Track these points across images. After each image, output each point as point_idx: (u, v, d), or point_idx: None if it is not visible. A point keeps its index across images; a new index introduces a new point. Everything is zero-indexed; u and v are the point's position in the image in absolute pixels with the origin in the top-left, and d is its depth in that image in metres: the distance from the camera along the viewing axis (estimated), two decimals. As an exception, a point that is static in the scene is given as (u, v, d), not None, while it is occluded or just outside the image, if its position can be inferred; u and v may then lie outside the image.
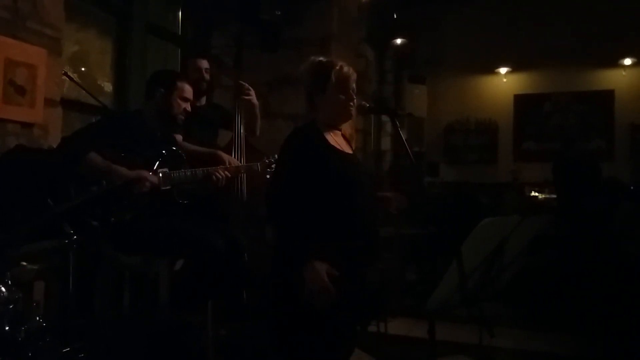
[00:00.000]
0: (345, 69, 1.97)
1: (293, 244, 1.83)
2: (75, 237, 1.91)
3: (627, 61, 6.91)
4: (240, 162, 3.05)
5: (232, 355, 2.78)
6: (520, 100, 7.40)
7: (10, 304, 1.69)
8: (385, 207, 2.07)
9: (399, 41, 6.87)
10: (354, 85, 1.98)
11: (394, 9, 6.36)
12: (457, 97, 7.58)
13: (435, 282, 1.70)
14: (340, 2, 4.67)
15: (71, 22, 3.35)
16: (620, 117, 6.96)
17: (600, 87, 7.05)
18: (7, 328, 1.66)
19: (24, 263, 2.13)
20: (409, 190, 1.98)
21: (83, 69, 3.81)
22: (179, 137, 2.90)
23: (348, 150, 2.04)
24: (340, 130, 2.07)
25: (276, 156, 2.81)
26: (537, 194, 6.53)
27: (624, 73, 6.98)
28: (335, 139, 2.00)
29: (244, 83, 3.15)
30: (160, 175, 2.47)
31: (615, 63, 6.95)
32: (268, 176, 2.85)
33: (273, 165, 2.85)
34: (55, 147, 2.57)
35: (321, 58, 2.01)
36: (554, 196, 5.85)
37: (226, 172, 2.69)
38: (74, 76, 3.27)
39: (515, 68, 7.38)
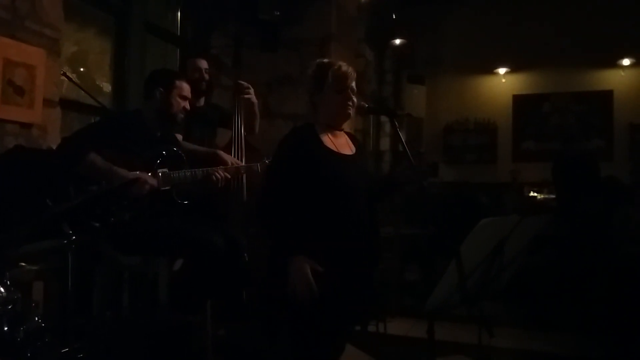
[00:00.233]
0: (344, 68, 1.97)
1: (280, 241, 1.88)
2: (74, 237, 1.91)
3: (626, 61, 6.91)
4: (240, 161, 3.05)
5: (231, 355, 2.78)
6: (519, 101, 7.41)
7: (9, 304, 1.69)
8: (406, 182, 2.05)
9: (398, 41, 6.87)
10: (353, 84, 1.98)
11: (393, 9, 6.36)
12: (456, 97, 7.58)
13: (435, 282, 1.70)
14: (339, 2, 4.67)
15: (70, 22, 3.35)
16: (619, 117, 6.97)
17: (599, 88, 7.06)
18: (6, 328, 1.66)
19: (23, 263, 2.13)
20: (417, 189, 1.97)
21: (82, 69, 3.81)
22: (179, 137, 2.90)
23: (347, 151, 2.04)
24: (341, 130, 2.07)
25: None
26: (536, 194, 6.53)
27: (622, 73, 6.98)
28: (333, 140, 2.00)
29: (243, 82, 3.15)
30: (160, 175, 2.47)
31: (613, 63, 6.95)
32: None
33: (272, 165, 2.85)
34: (54, 147, 2.57)
35: (324, 60, 2.02)
36: (553, 196, 5.86)
37: (226, 173, 2.70)
38: (73, 76, 3.27)
39: (514, 68, 7.39)
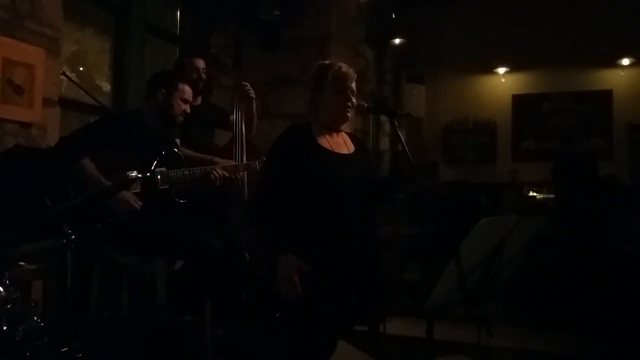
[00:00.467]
0: (344, 69, 1.98)
1: (271, 239, 1.91)
2: (73, 237, 1.91)
3: (625, 61, 6.92)
4: (242, 161, 3.06)
5: (229, 356, 2.77)
6: (519, 100, 7.40)
7: (8, 303, 1.69)
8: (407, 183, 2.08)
9: (397, 41, 6.87)
10: (352, 85, 1.98)
11: (393, 9, 6.36)
12: (455, 97, 7.58)
13: (434, 282, 1.70)
14: (339, 1, 4.67)
15: (70, 21, 3.35)
16: (618, 116, 6.97)
17: (599, 87, 7.06)
18: (5, 328, 1.65)
19: (22, 263, 2.13)
20: (417, 189, 1.98)
21: (81, 68, 3.81)
22: (177, 141, 2.90)
23: (344, 150, 2.03)
24: (340, 131, 2.07)
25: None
26: (535, 193, 6.54)
27: (622, 73, 6.99)
28: (330, 140, 2.00)
29: (245, 83, 3.17)
30: (158, 175, 2.47)
31: (613, 63, 6.96)
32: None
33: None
34: (53, 146, 2.57)
35: (326, 61, 2.05)
36: (553, 196, 5.86)
37: (224, 171, 2.70)
38: (73, 76, 3.27)
39: (513, 68, 7.39)
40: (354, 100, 1.99)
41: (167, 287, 2.51)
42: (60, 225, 1.86)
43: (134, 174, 2.43)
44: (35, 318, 1.76)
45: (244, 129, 3.19)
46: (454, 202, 5.72)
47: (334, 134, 2.04)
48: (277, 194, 1.91)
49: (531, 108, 7.34)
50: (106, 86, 3.91)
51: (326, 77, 1.96)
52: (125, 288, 2.62)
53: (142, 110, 2.62)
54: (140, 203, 2.38)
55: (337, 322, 1.95)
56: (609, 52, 6.80)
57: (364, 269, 1.97)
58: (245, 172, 2.98)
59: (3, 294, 1.67)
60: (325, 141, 1.99)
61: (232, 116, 3.31)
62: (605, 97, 7.03)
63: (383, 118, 6.59)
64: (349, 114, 2.01)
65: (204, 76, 3.17)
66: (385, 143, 7.21)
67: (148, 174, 2.44)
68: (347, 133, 2.12)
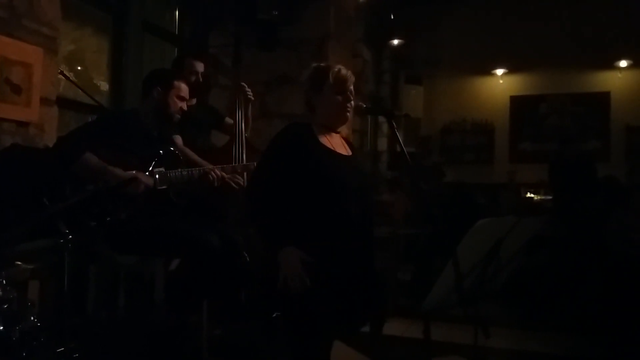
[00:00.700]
0: (343, 71, 2.00)
1: (268, 235, 1.89)
2: (70, 236, 1.91)
3: (623, 63, 6.93)
4: (242, 161, 3.06)
5: (227, 355, 2.77)
6: (517, 102, 7.42)
7: (4, 303, 1.69)
8: (391, 214, 2.08)
9: (396, 42, 6.88)
10: (351, 87, 2.00)
11: (392, 10, 6.37)
12: (453, 98, 7.59)
13: (431, 283, 1.70)
14: (337, 2, 4.67)
15: (68, 20, 3.34)
16: (616, 118, 6.99)
17: (596, 89, 7.07)
18: (1, 328, 1.65)
19: (19, 262, 2.12)
20: (429, 189, 1.99)
21: (79, 67, 3.81)
22: (179, 140, 2.90)
23: (343, 151, 2.05)
24: (338, 133, 2.08)
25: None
26: (532, 194, 6.54)
27: (619, 75, 7.01)
28: (330, 140, 2.01)
29: (244, 84, 3.17)
30: (157, 175, 2.47)
31: (611, 65, 6.97)
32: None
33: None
34: (51, 146, 2.56)
35: (321, 64, 2.05)
36: (550, 197, 5.87)
37: (222, 172, 2.69)
38: (70, 75, 3.26)
39: (511, 69, 7.40)
40: (352, 102, 2.01)
41: (164, 287, 2.50)
42: (58, 225, 1.86)
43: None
44: (32, 318, 1.76)
45: (243, 129, 3.19)
46: (452, 202, 5.73)
47: (333, 135, 2.05)
48: (276, 190, 1.89)
49: (529, 109, 7.35)
50: (104, 85, 3.91)
51: (326, 78, 1.96)
52: (122, 288, 2.62)
53: (139, 109, 2.62)
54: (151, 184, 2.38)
55: (338, 322, 1.95)
56: (607, 54, 6.81)
57: (364, 269, 1.97)
58: (245, 174, 2.98)
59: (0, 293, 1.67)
60: (327, 141, 2.00)
61: (227, 118, 3.31)
62: (602, 98, 7.05)
63: (381, 119, 6.60)
64: (348, 115, 2.02)
65: (201, 80, 3.16)
66: (383, 144, 7.22)
67: (147, 174, 2.44)
68: (341, 137, 2.13)
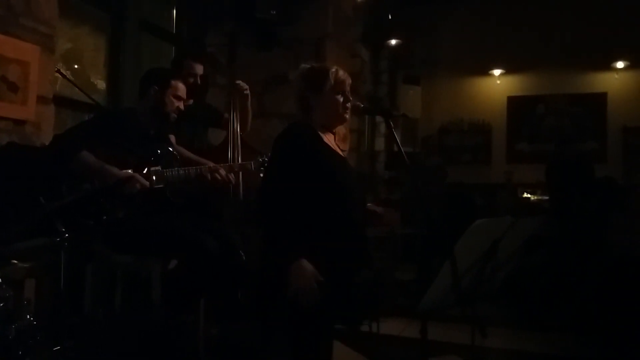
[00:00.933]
0: (342, 71, 2.00)
1: (282, 242, 1.83)
2: (67, 235, 1.90)
3: (620, 64, 6.95)
4: (236, 160, 3.05)
5: (223, 355, 2.77)
6: (514, 102, 7.43)
7: (0, 302, 1.68)
8: (376, 222, 2.08)
9: (393, 42, 6.89)
10: (348, 89, 2.01)
11: (389, 10, 6.37)
12: (451, 98, 7.60)
13: (429, 283, 1.71)
14: (335, 2, 4.67)
15: (65, 19, 3.34)
16: (612, 119, 7.01)
17: (593, 90, 7.10)
18: (-3, 326, 1.65)
19: (15, 261, 2.12)
20: (433, 190, 1.99)
21: (76, 66, 3.79)
22: (172, 139, 2.89)
23: (339, 152, 2.06)
24: (333, 133, 2.08)
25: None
26: (529, 195, 6.56)
27: (616, 76, 7.03)
28: (329, 141, 2.02)
29: (240, 82, 3.15)
30: (154, 174, 2.46)
31: (608, 66, 6.99)
32: (262, 174, 2.85)
33: (267, 164, 2.84)
34: (47, 144, 2.56)
35: (313, 64, 2.04)
36: (547, 197, 5.88)
37: (220, 171, 2.69)
38: (67, 73, 3.25)
39: (508, 70, 7.41)
40: (350, 101, 2.01)
41: (161, 286, 2.50)
42: (54, 224, 1.85)
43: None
44: (28, 317, 1.76)
45: (238, 128, 3.18)
46: (449, 203, 5.73)
47: (330, 135, 2.05)
48: (290, 196, 1.84)
49: (526, 110, 7.37)
50: (101, 84, 3.90)
51: (327, 79, 1.95)
52: (119, 287, 2.61)
53: (136, 108, 2.61)
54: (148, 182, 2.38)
55: (340, 322, 1.95)
56: (604, 54, 6.83)
57: (364, 269, 1.97)
58: (241, 173, 2.97)
59: (-4, 292, 1.67)
60: (328, 141, 2.00)
61: (226, 114, 3.29)
62: (599, 99, 7.07)
63: (379, 119, 6.61)
64: (347, 116, 2.02)
65: (199, 82, 3.15)
66: (380, 144, 7.23)
67: (143, 173, 2.43)
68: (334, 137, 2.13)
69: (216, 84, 4.41)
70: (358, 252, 1.92)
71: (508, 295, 3.63)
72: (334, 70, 1.98)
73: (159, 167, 2.49)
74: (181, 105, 2.59)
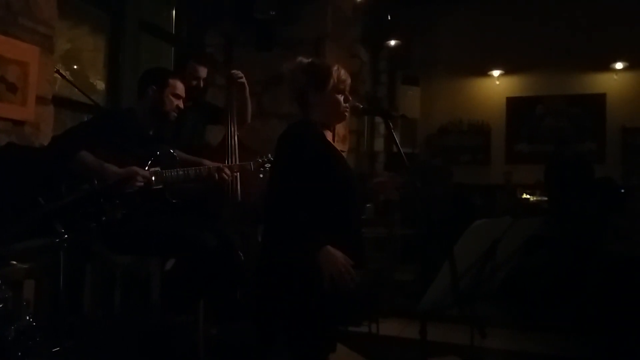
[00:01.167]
0: (343, 70, 2.00)
1: (304, 235, 1.81)
2: (66, 235, 1.90)
3: (619, 65, 6.96)
4: (234, 161, 3.04)
5: (223, 355, 2.77)
6: (513, 103, 7.44)
7: (0, 302, 1.68)
8: (382, 192, 2.08)
9: (393, 42, 6.88)
10: (348, 89, 2.01)
11: (389, 10, 6.37)
12: (450, 99, 7.60)
13: (428, 283, 1.71)
14: (334, 2, 4.68)
15: (64, 19, 3.33)
16: (611, 120, 7.02)
17: (592, 91, 7.10)
18: (-4, 327, 1.64)
19: (14, 262, 2.11)
20: (439, 190, 2.00)
21: (75, 66, 3.79)
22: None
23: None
24: (332, 131, 2.09)
25: (270, 155, 2.81)
26: (528, 195, 6.56)
27: (615, 77, 7.03)
28: (330, 139, 2.03)
29: (235, 71, 3.11)
30: (153, 174, 2.46)
31: (607, 67, 7.00)
32: (261, 175, 2.84)
33: (267, 165, 2.84)
34: (46, 145, 2.55)
35: (313, 59, 2.03)
36: (546, 198, 5.89)
37: (219, 172, 2.69)
38: (66, 74, 3.25)
39: (508, 71, 7.42)
40: (350, 99, 2.02)
41: (160, 287, 2.50)
42: (53, 224, 1.85)
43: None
44: (28, 317, 1.75)
45: (235, 128, 3.15)
46: (448, 203, 5.74)
47: (329, 134, 2.06)
48: (300, 192, 1.84)
49: (525, 110, 7.37)
50: (100, 85, 3.90)
51: (329, 77, 1.94)
52: (118, 287, 2.61)
53: (135, 108, 2.61)
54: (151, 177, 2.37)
55: (343, 322, 1.95)
56: (603, 55, 6.84)
57: (361, 269, 1.97)
58: (239, 174, 2.96)
59: (-5, 292, 1.66)
60: (330, 139, 2.01)
61: (226, 109, 3.27)
62: (598, 100, 7.08)
63: (378, 119, 6.60)
64: (347, 114, 2.03)
65: (202, 85, 3.14)
66: (380, 144, 7.22)
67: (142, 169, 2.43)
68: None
69: (215, 84, 4.40)
70: (356, 251, 1.92)
71: (507, 296, 3.63)
72: (336, 68, 1.97)
73: (158, 168, 2.49)
74: (180, 103, 2.59)
